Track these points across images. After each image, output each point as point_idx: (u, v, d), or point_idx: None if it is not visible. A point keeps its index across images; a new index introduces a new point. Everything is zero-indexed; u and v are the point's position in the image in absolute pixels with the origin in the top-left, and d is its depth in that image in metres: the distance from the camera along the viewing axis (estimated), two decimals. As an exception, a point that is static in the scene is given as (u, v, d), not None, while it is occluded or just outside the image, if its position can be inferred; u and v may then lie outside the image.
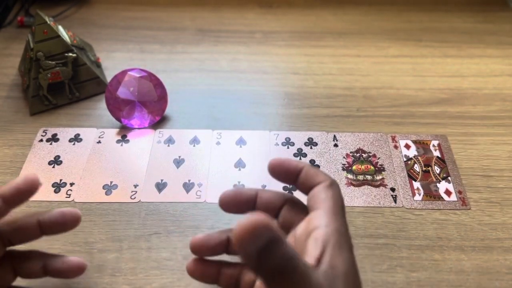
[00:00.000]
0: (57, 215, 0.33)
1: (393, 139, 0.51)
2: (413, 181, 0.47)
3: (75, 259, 0.34)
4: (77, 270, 0.34)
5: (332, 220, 0.28)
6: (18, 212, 0.33)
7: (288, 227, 0.32)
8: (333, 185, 0.31)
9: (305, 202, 0.33)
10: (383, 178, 0.47)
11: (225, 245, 0.34)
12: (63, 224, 0.33)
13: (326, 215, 0.29)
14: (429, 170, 0.48)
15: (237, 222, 0.21)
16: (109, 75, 0.58)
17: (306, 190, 0.32)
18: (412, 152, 0.50)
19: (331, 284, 0.25)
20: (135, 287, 0.39)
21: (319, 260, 0.26)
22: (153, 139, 0.51)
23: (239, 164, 0.49)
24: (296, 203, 0.33)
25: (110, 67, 0.60)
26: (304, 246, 0.28)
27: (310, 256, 0.27)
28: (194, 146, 0.51)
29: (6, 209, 0.31)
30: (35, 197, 0.45)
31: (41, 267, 0.34)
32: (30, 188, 0.32)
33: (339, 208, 0.30)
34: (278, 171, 0.33)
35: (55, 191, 0.46)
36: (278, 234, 0.22)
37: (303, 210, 0.32)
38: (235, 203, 0.33)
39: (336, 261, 0.26)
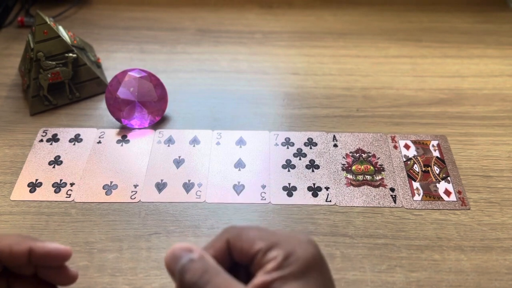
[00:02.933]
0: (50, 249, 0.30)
1: (393, 139, 0.51)
2: (413, 181, 0.47)
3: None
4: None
5: None
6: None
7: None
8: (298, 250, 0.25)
9: None
10: (382, 178, 0.47)
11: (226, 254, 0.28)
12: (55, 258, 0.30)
13: None
14: (428, 170, 0.48)
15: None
16: (109, 75, 0.58)
17: (246, 260, 0.26)
18: (412, 152, 0.50)
19: None
20: (135, 287, 0.39)
21: None
22: (153, 139, 0.51)
23: (239, 164, 0.49)
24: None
25: (110, 67, 0.60)
26: None
27: None
28: (194, 146, 0.51)
29: (28, 265, 0.29)
30: (36, 197, 0.45)
31: None
32: (59, 256, 0.29)
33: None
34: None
35: (55, 191, 0.46)
36: (199, 255, 0.25)
37: None
38: None
39: None
